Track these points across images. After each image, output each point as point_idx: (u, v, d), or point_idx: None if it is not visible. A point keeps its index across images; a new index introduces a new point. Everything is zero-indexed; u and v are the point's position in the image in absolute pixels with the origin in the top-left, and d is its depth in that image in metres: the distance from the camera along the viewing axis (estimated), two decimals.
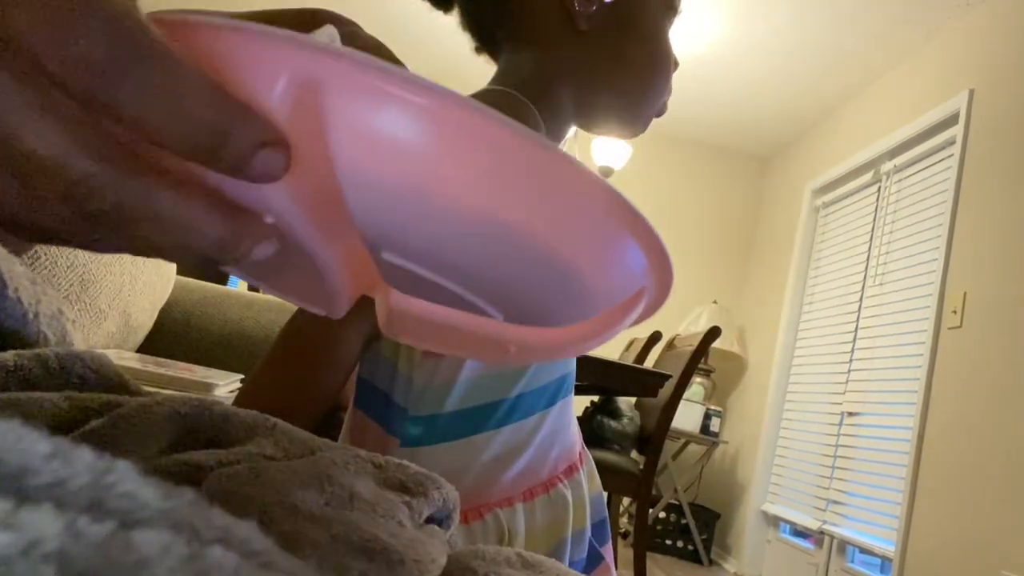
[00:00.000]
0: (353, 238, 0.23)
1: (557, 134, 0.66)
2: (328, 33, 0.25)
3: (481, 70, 0.70)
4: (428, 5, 0.64)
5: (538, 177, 0.20)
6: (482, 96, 0.61)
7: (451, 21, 0.68)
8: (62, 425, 0.26)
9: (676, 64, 0.66)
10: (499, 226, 0.21)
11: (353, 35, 0.28)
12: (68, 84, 0.17)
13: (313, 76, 0.18)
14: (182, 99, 0.17)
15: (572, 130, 0.68)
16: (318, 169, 0.20)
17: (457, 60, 3.67)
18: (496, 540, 0.58)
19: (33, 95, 0.16)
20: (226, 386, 0.98)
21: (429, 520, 0.31)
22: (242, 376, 1.07)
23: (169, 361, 1.08)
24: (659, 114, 0.67)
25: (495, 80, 0.65)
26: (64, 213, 0.18)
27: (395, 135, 0.19)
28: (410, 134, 0.19)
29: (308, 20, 0.28)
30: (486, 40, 0.68)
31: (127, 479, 0.14)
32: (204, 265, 0.21)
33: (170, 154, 0.18)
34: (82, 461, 0.13)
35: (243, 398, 0.57)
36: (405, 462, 0.32)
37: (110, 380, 0.31)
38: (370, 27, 0.29)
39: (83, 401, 0.27)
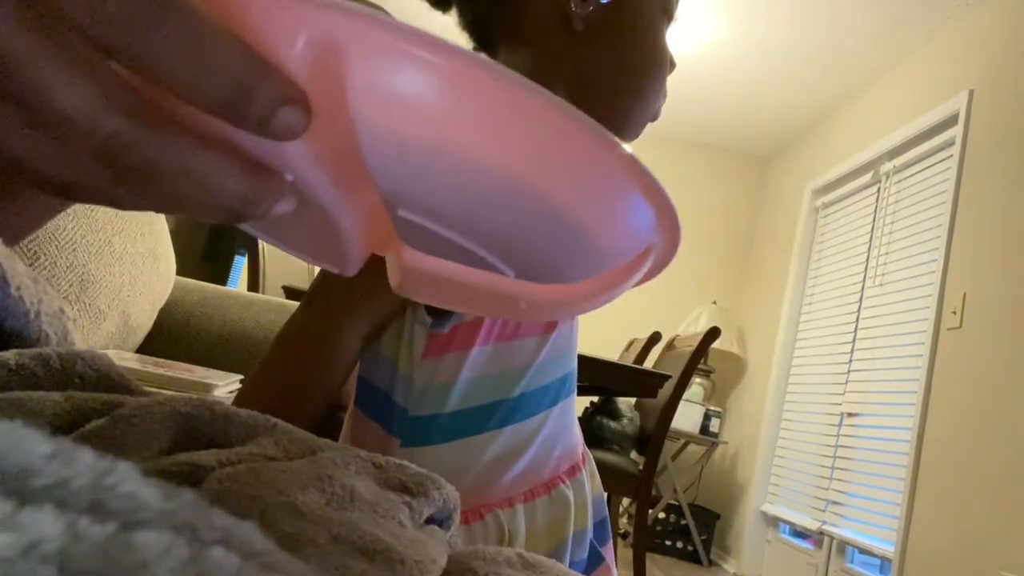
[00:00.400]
0: (370, 194, 0.24)
1: None
2: None
3: None
4: (427, 5, 0.64)
5: (551, 133, 0.21)
6: None
7: (450, 21, 0.68)
8: (63, 425, 0.26)
9: (673, 65, 0.66)
10: (513, 182, 0.22)
11: None
12: (100, 39, 0.17)
13: (332, 34, 0.18)
14: (209, 55, 0.18)
15: None
16: (338, 127, 0.20)
17: None
18: (496, 541, 0.57)
19: (67, 53, 0.17)
20: (226, 386, 0.98)
21: (429, 520, 0.31)
22: (242, 376, 1.07)
23: (169, 361, 1.08)
24: (652, 119, 0.67)
25: None
26: (96, 169, 0.19)
27: (414, 93, 0.19)
28: (428, 92, 0.19)
29: None
30: (483, 40, 0.68)
31: (128, 480, 0.14)
32: (226, 220, 0.21)
33: (196, 112, 0.19)
34: (83, 462, 0.13)
35: (243, 398, 0.57)
36: (405, 462, 0.32)
37: (111, 380, 0.31)
38: None
39: (84, 401, 0.27)
